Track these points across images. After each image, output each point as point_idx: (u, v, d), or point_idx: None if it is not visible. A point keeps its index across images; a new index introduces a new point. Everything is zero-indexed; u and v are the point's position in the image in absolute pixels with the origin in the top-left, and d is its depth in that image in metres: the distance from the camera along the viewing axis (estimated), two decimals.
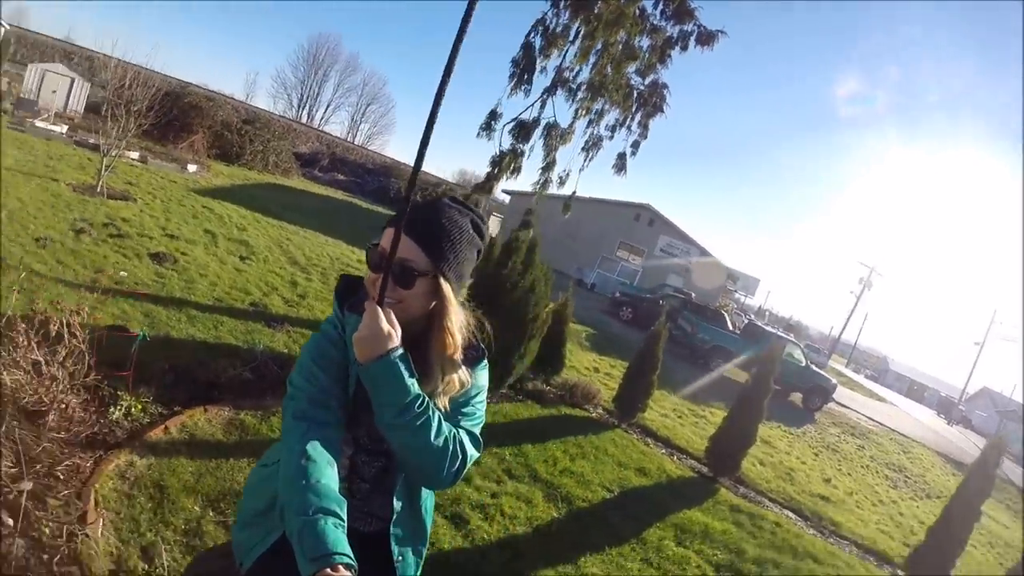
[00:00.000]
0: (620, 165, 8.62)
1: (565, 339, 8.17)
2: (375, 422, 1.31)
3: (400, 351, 1.25)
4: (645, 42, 7.78)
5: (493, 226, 30.06)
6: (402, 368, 1.25)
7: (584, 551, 4.29)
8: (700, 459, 7.17)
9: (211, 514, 3.09)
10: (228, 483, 3.41)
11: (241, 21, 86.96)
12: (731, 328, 18.13)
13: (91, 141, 14.16)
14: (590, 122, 8.29)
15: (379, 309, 1.24)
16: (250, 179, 19.93)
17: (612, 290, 23.25)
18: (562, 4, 7.44)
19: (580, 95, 7.93)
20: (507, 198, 31.55)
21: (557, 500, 4.87)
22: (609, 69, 7.74)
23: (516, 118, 7.81)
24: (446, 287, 1.36)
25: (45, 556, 2.47)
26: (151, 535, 2.82)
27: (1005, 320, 58.63)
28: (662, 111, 8.35)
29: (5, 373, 3.31)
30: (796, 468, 9.19)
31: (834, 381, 17.24)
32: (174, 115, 18.63)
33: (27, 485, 2.69)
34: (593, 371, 10.22)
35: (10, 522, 2.50)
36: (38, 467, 2.96)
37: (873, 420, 19.06)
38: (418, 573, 1.60)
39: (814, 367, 17.00)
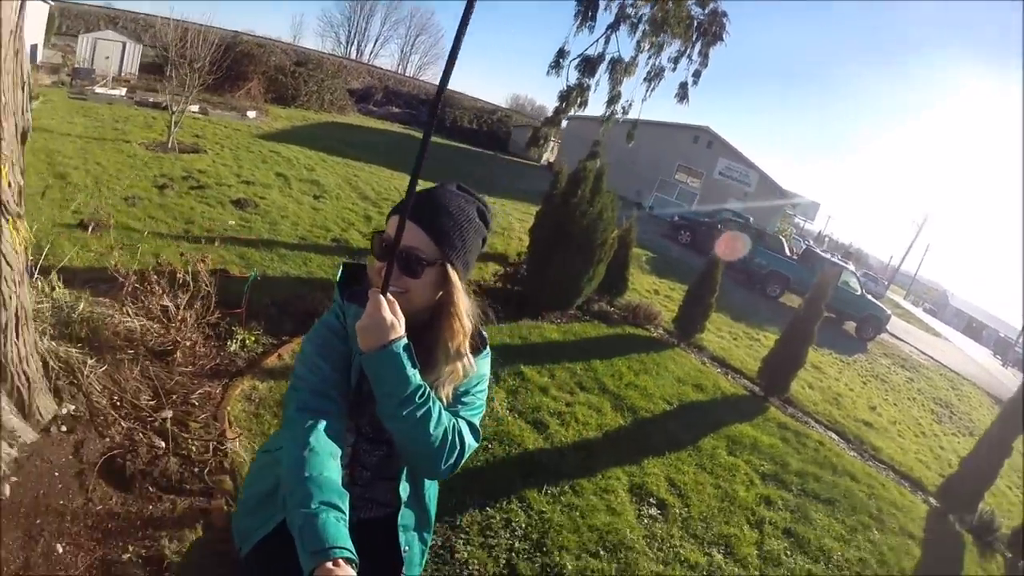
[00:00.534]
0: (682, 94, 8.72)
1: (629, 263, 8.59)
2: (377, 412, 1.31)
3: (403, 341, 1.25)
4: None
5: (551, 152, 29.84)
6: (405, 359, 1.24)
7: (647, 454, 4.91)
8: (752, 379, 7.66)
9: None
10: None
11: None
12: (788, 253, 18.07)
13: (151, 100, 14.68)
14: (652, 54, 8.36)
15: (382, 298, 1.24)
16: (308, 119, 20.30)
17: (670, 214, 23.18)
18: None
19: (642, 28, 7.97)
20: (563, 122, 31.05)
21: (623, 410, 5.48)
22: (671, 3, 7.72)
23: (582, 54, 7.96)
24: (454, 276, 1.35)
25: (196, 469, 3.05)
26: None
27: None
28: (722, 39, 8.34)
29: (134, 320, 3.95)
30: (843, 394, 9.57)
31: (888, 311, 17.13)
32: (228, 65, 18.91)
33: (168, 413, 3.29)
34: (653, 293, 10.64)
35: (161, 444, 3.11)
36: (174, 397, 3.58)
37: (925, 354, 18.91)
38: (423, 560, 1.65)
39: (869, 296, 16.91)
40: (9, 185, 2.37)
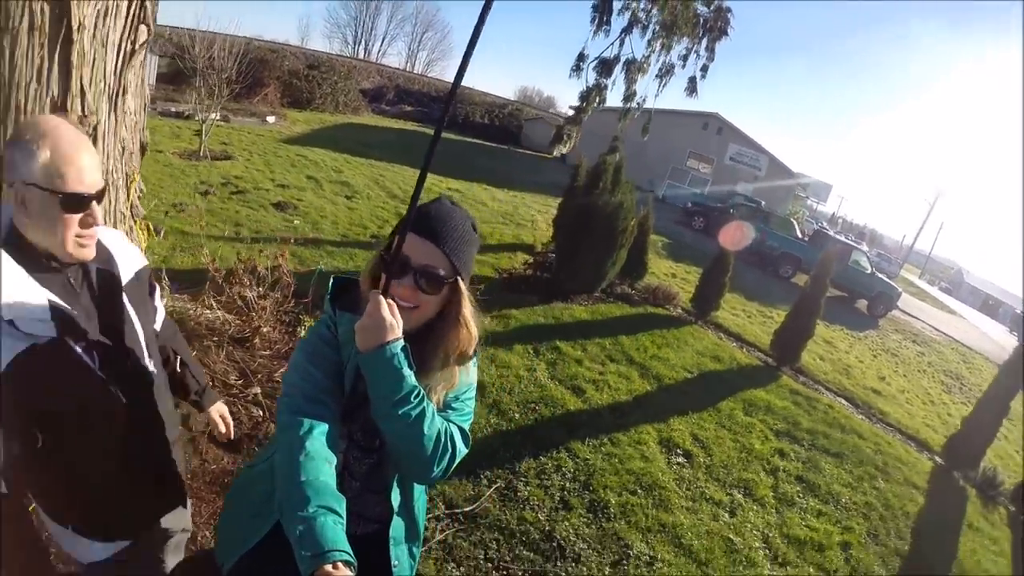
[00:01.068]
0: (691, 88, 9.26)
1: (647, 248, 9.20)
2: (371, 413, 1.32)
3: (401, 343, 1.27)
4: None
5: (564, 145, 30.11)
6: (402, 359, 1.26)
7: (672, 414, 5.57)
8: (766, 351, 8.28)
9: None
10: None
11: None
12: (799, 235, 18.56)
13: (173, 110, 15.11)
14: (662, 52, 8.92)
15: (383, 300, 1.27)
16: (326, 122, 20.76)
17: (683, 201, 23.66)
18: None
19: (652, 29, 8.54)
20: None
21: (649, 377, 6.14)
22: (679, 5, 8.28)
23: (599, 56, 8.57)
24: (463, 287, 1.40)
25: None
26: None
27: None
28: (726, 34, 8.86)
29: (215, 312, 4.59)
30: (853, 365, 10.12)
31: (899, 289, 17.54)
32: (245, 72, 19.21)
33: (256, 389, 3.88)
34: (671, 276, 11.25)
35: (259, 412, 3.71)
36: (259, 376, 4.12)
37: (938, 330, 19.15)
38: (412, 574, 1.65)
39: (880, 275, 17.37)
40: (136, 193, 2.98)
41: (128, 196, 2.80)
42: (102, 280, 1.42)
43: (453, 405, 1.44)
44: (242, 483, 1.66)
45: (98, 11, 2.09)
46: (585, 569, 3.50)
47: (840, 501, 5.25)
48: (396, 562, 1.51)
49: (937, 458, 7.41)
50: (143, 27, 2.41)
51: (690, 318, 8.67)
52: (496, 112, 33.67)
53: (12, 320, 1.20)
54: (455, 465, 1.39)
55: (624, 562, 3.66)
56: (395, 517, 1.49)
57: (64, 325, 1.29)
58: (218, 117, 15.43)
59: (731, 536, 4.23)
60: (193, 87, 12.50)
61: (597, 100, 8.60)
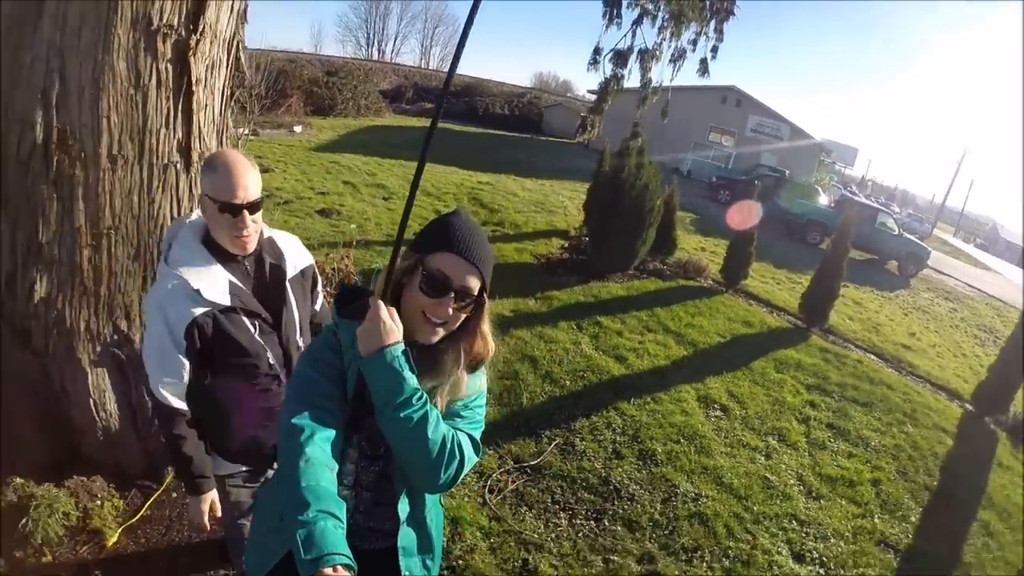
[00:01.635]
0: (703, 69, 9.54)
1: (675, 224, 9.67)
2: (375, 420, 1.32)
3: (401, 346, 1.29)
4: None
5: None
6: (403, 362, 1.28)
7: (708, 375, 6.10)
8: (795, 314, 8.70)
9: None
10: None
11: None
12: (826, 202, 18.70)
13: None
14: (672, 38, 9.26)
15: (382, 305, 1.30)
16: (350, 127, 21.10)
17: (708, 175, 23.86)
18: None
19: (662, 18, 8.90)
20: (592, 96, 31.60)
21: (685, 343, 6.66)
22: None
23: (613, 48, 8.97)
24: (487, 302, 1.43)
25: None
26: None
27: None
28: (733, 14, 9.16)
29: None
30: (883, 324, 10.40)
31: (929, 249, 17.56)
32: (272, 86, 19.20)
33: None
34: (700, 250, 11.67)
35: None
36: None
37: (972, 287, 18.97)
38: None
39: (907, 235, 17.48)
40: None
41: None
42: (272, 271, 1.98)
43: (462, 413, 1.44)
44: (263, 501, 1.70)
45: (207, 66, 2.61)
46: (639, 506, 4.07)
47: (870, 444, 5.71)
48: (407, 573, 1.52)
49: (968, 406, 7.58)
50: (239, 74, 2.93)
51: (720, 288, 9.13)
52: (515, 102, 33.89)
53: (199, 290, 1.76)
54: (464, 473, 1.38)
55: (672, 499, 4.21)
56: (403, 526, 1.50)
57: (237, 299, 1.85)
58: (248, 132, 16.11)
59: (767, 475, 4.75)
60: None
61: (616, 89, 9.01)
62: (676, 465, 4.58)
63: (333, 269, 5.65)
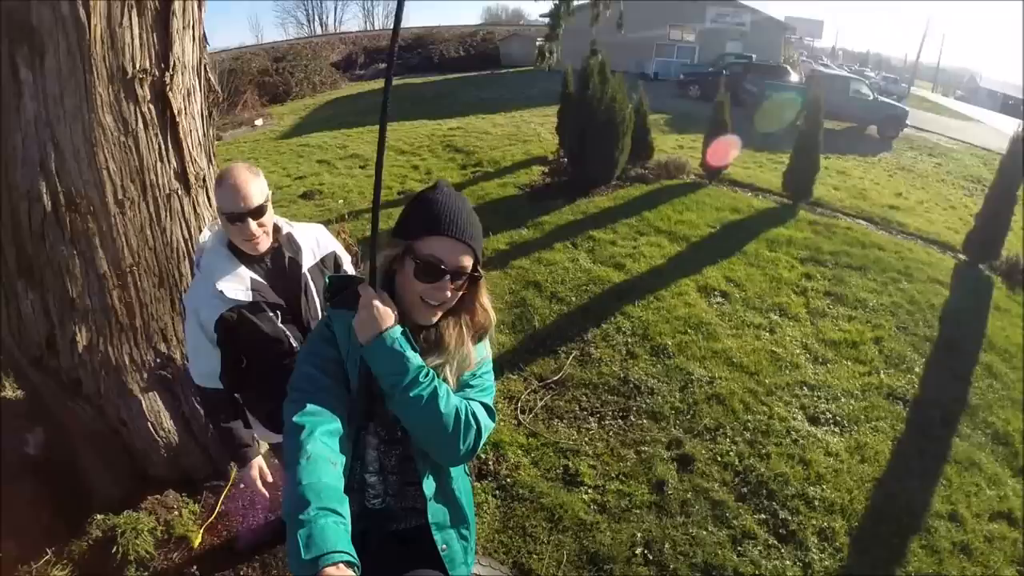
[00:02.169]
0: None
1: (649, 129, 9.65)
2: (387, 406, 1.34)
3: (399, 328, 1.30)
4: None
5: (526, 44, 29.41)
6: (403, 343, 1.29)
7: (705, 264, 6.29)
8: (780, 193, 8.79)
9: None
10: None
11: None
12: (796, 80, 18.49)
13: None
14: None
15: (372, 291, 1.30)
16: (310, 106, 20.54)
17: (675, 73, 23.47)
18: None
19: None
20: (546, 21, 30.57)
21: (678, 240, 6.81)
22: None
23: None
24: (482, 273, 1.42)
25: None
26: None
27: None
28: None
29: None
30: (869, 188, 10.42)
31: (906, 108, 17.45)
32: (224, 87, 18.29)
33: None
34: (679, 148, 11.60)
35: None
36: None
37: (955, 139, 18.71)
38: (470, 559, 1.65)
39: (882, 97, 17.36)
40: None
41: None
42: (290, 265, 2.15)
43: (472, 383, 1.44)
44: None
45: (183, 95, 2.69)
46: (660, 398, 4.31)
47: (868, 305, 5.91)
48: (444, 546, 1.54)
49: (960, 255, 7.71)
50: (212, 93, 3.02)
51: (704, 181, 9.20)
52: (469, 42, 32.99)
53: (222, 291, 1.97)
54: (483, 441, 1.39)
55: (689, 386, 4.44)
56: (431, 503, 1.51)
57: (257, 293, 2.05)
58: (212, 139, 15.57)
59: (774, 349, 4.98)
60: None
61: (567, 11, 8.76)
62: (687, 354, 4.80)
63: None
